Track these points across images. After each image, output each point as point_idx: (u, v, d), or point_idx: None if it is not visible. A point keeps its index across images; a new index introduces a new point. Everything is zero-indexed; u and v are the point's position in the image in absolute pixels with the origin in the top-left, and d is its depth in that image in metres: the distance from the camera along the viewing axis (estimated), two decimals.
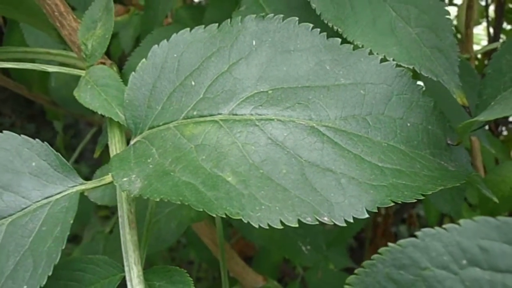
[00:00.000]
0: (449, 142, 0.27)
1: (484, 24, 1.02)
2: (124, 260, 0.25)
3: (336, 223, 0.21)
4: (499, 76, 0.23)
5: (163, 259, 0.84)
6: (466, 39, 0.62)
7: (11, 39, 0.63)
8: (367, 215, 0.21)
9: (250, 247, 0.98)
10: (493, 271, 0.16)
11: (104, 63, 0.35)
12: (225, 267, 0.41)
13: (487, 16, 0.98)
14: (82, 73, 0.32)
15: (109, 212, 1.19)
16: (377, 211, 0.21)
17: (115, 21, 0.58)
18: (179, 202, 0.21)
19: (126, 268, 0.25)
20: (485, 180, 0.56)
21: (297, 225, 0.21)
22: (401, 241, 0.17)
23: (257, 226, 0.20)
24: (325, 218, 0.21)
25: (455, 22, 1.09)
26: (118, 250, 0.30)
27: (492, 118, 0.21)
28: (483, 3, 1.06)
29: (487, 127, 1.14)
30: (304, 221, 0.21)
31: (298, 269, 0.76)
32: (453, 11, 1.21)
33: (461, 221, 0.17)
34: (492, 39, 0.91)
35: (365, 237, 1.01)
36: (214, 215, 0.20)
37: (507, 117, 1.21)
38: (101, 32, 0.32)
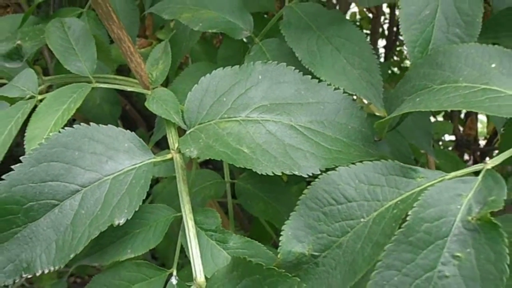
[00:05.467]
0: (375, 139, 0.48)
1: None
2: (180, 201, 0.46)
3: (302, 175, 0.42)
4: (397, 98, 0.44)
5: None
6: None
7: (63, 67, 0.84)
8: (319, 172, 0.42)
9: None
10: (369, 185, 0.36)
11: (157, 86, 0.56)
12: None
13: None
14: (147, 92, 0.53)
15: None
16: (325, 170, 0.42)
17: (140, 52, 0.80)
18: (219, 160, 0.41)
19: (181, 205, 0.46)
20: None
21: (280, 174, 0.41)
22: (328, 172, 0.37)
23: (259, 173, 0.41)
24: (296, 172, 0.42)
25: None
26: None
27: (388, 117, 0.42)
28: None
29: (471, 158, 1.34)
30: (285, 173, 0.41)
31: None
32: None
33: (357, 163, 0.37)
34: None
35: None
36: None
37: (491, 146, 1.42)
38: (162, 67, 0.53)
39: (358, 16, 1.70)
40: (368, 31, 1.41)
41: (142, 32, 1.08)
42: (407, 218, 0.32)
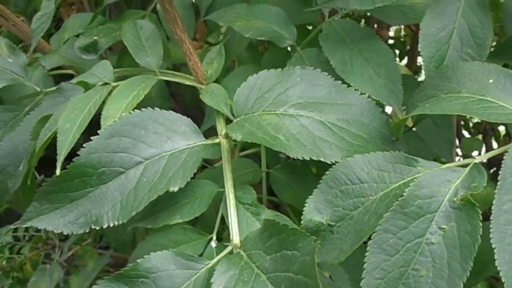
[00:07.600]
0: (393, 139, 0.57)
1: None
2: (224, 177, 0.56)
3: (327, 161, 0.51)
4: (412, 105, 0.54)
5: None
6: None
7: (124, 61, 0.96)
8: (341, 160, 0.52)
9: None
10: (379, 170, 0.46)
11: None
12: None
13: None
14: (202, 86, 0.64)
15: None
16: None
17: None
18: (259, 143, 0.51)
19: (225, 181, 0.56)
20: None
21: (308, 159, 0.51)
22: (347, 158, 0.47)
23: (291, 157, 0.51)
24: (322, 159, 0.51)
25: None
26: None
27: (402, 119, 0.51)
28: None
29: None
30: (312, 159, 0.51)
31: None
32: None
33: (370, 153, 0.47)
34: None
35: None
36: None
37: None
38: (216, 66, 0.64)
39: (402, 33, 1.77)
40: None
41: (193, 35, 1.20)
42: (403, 194, 0.41)
